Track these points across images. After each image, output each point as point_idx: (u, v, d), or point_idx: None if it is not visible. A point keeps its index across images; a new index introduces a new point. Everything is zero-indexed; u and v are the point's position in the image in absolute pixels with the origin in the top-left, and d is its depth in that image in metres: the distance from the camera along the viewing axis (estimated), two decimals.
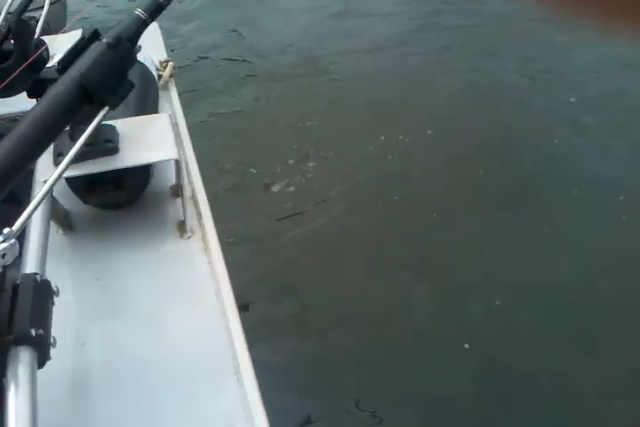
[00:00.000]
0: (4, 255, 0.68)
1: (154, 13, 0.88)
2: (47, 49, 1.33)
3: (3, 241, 0.68)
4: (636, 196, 3.26)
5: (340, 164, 3.69)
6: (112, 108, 0.85)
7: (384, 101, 4.17)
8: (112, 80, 0.84)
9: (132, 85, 0.87)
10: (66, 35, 2.17)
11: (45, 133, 0.80)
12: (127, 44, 0.85)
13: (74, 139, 1.17)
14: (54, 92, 0.81)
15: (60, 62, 0.87)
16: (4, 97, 1.25)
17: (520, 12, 5.06)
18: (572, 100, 4.05)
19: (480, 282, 2.88)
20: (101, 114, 0.85)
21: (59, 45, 1.66)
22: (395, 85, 4.36)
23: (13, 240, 0.69)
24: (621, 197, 3.27)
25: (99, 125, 1.00)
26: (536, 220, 3.20)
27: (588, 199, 3.30)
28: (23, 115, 1.49)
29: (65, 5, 3.69)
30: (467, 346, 2.59)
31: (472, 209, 3.29)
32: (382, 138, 3.85)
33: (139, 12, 0.86)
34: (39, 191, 0.79)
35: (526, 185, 3.41)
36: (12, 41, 1.26)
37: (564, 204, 3.30)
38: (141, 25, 0.87)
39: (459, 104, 4.11)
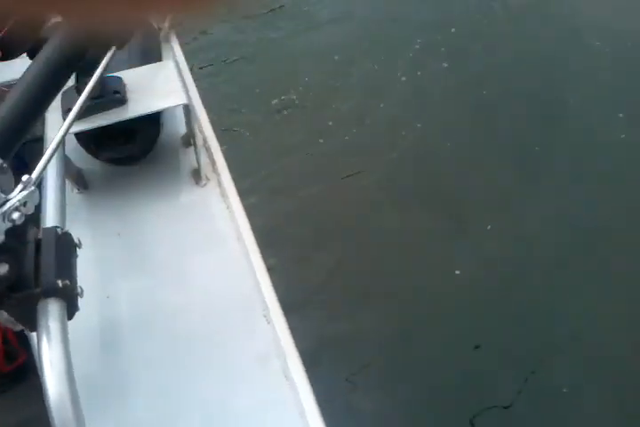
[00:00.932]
0: (25, 204, 0.67)
1: None
2: None
3: (23, 189, 0.67)
4: None
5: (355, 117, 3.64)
6: (119, 47, 0.84)
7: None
8: None
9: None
10: None
11: (54, 80, 0.79)
12: None
13: (79, 91, 1.16)
14: (57, 37, 0.80)
15: None
16: (10, 59, 1.24)
17: None
18: None
19: None
20: (109, 54, 0.84)
21: None
22: None
23: (33, 188, 0.68)
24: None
25: (103, 76, 0.99)
26: None
27: None
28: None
29: None
30: None
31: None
32: None
33: None
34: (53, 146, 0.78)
35: None
36: None
37: None
38: None
39: None
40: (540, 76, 3.73)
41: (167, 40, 1.74)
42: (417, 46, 3.99)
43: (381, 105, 3.66)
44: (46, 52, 0.79)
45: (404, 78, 3.78)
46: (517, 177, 3.18)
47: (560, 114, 3.52)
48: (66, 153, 1.29)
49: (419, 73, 3.79)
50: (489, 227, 2.94)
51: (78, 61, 0.83)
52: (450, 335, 2.51)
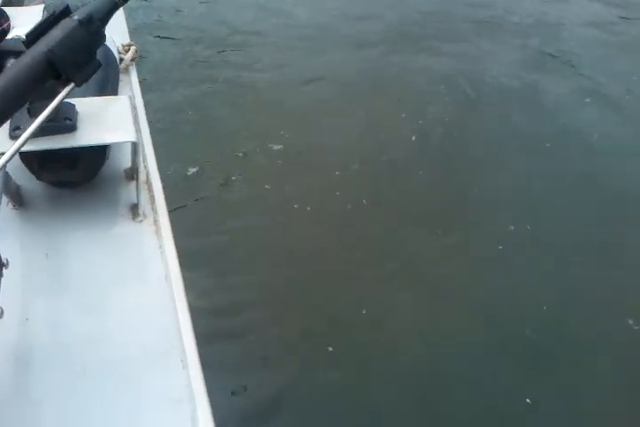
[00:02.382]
0: None
1: None
2: (8, 19, 1.31)
3: None
4: None
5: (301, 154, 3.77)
6: (78, 85, 0.86)
7: None
8: (80, 57, 0.84)
9: (99, 64, 0.88)
10: (27, 8, 2.13)
11: (8, 105, 0.80)
12: (98, 23, 0.86)
13: (32, 113, 1.16)
14: (20, 64, 0.81)
15: (28, 35, 0.87)
16: None
17: None
18: None
19: None
20: (66, 90, 0.86)
21: (19, 18, 1.64)
22: None
23: None
24: None
25: (61, 101, 1.00)
26: None
27: None
28: None
29: None
30: None
31: None
32: None
33: None
34: None
35: None
36: None
37: None
38: (113, 6, 0.88)
39: None
40: None
41: (126, 72, 1.76)
42: None
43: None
44: (7, 76, 0.80)
45: None
46: None
47: None
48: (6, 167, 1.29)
49: None
50: None
51: (36, 90, 0.84)
52: None
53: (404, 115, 4.29)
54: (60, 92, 0.87)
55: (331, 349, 2.67)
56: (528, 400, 2.51)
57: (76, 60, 0.84)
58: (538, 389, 2.56)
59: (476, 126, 4.24)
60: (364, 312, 2.85)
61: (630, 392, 2.58)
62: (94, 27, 0.85)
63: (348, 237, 3.28)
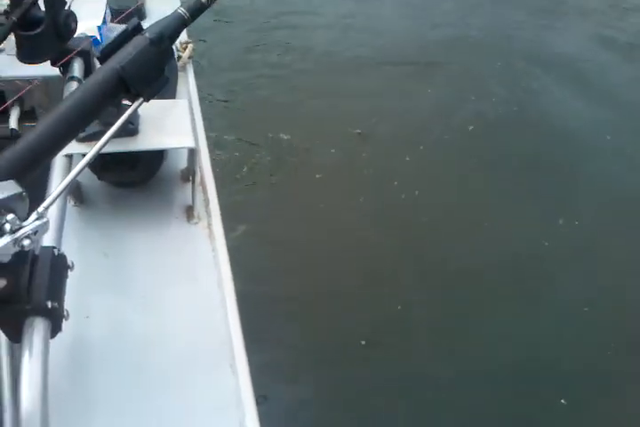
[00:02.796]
0: (36, 232, 0.71)
1: (195, 13, 0.90)
2: (76, 20, 1.35)
3: (36, 219, 0.71)
4: None
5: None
6: (146, 100, 0.89)
7: None
8: (150, 74, 0.87)
9: (167, 80, 0.90)
10: (85, 1, 2.18)
11: (82, 118, 0.84)
12: (167, 40, 0.88)
13: (100, 119, 1.20)
14: (94, 79, 0.84)
15: (102, 51, 0.90)
16: (30, 63, 1.28)
17: None
18: None
19: None
20: (135, 105, 0.89)
21: (78, 11, 1.68)
22: None
23: (46, 219, 0.72)
24: None
25: (122, 105, 1.04)
26: None
27: None
28: (42, 79, 1.52)
29: None
30: None
31: None
32: None
33: (181, 10, 0.89)
34: (61, 165, 0.81)
35: None
36: (43, 8, 1.27)
37: None
38: (182, 24, 0.90)
39: None
40: None
41: (184, 69, 1.79)
42: None
43: None
44: (82, 91, 0.84)
45: None
46: None
47: None
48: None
49: None
50: None
51: (108, 104, 0.88)
52: None
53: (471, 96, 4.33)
54: (127, 104, 0.90)
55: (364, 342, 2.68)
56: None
57: (146, 76, 0.86)
58: None
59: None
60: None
61: None
62: (164, 45, 0.87)
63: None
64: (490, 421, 2.52)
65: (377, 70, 4.68)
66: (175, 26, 0.90)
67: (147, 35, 0.87)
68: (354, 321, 2.86)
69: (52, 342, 0.81)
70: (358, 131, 4.03)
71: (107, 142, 0.88)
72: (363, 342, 2.77)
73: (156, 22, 0.89)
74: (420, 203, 3.52)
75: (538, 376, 2.66)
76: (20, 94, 1.48)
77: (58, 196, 0.78)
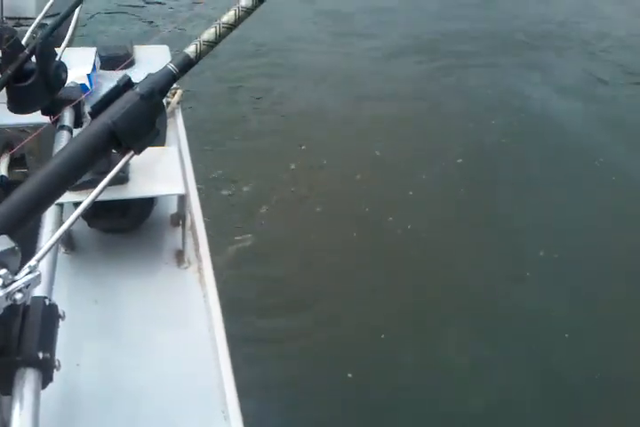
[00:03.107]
0: (28, 286, 0.72)
1: (184, 69, 0.93)
2: (66, 70, 1.38)
3: (29, 272, 0.72)
4: None
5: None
6: (137, 153, 0.91)
7: None
8: (141, 128, 0.89)
9: (157, 133, 0.93)
10: (77, 49, 2.22)
11: (74, 172, 0.86)
12: (158, 95, 0.91)
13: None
14: (86, 133, 0.87)
15: (93, 106, 0.93)
16: (21, 113, 1.30)
17: None
18: None
19: None
20: (126, 158, 0.91)
21: (68, 60, 1.71)
22: None
23: (39, 272, 0.73)
24: None
25: (112, 154, 1.06)
26: None
27: None
28: (31, 127, 1.54)
29: (77, 18, 3.74)
30: None
31: None
32: None
33: (171, 66, 0.92)
34: (52, 213, 0.82)
35: None
36: (35, 60, 1.30)
37: None
38: (171, 79, 0.93)
39: None
40: None
41: (173, 115, 1.83)
42: None
43: None
44: (74, 146, 0.86)
45: None
46: None
47: None
48: None
49: None
50: None
51: (98, 159, 0.90)
52: None
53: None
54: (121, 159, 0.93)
55: None
56: None
57: (137, 130, 0.89)
58: None
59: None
60: None
61: None
62: (155, 99, 0.90)
63: None
64: None
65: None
66: (165, 81, 0.93)
67: (137, 90, 0.89)
68: (345, 359, 2.85)
69: (45, 391, 0.81)
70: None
71: (98, 195, 0.90)
72: (349, 375, 2.78)
73: (147, 77, 0.92)
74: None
75: None
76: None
77: (50, 248, 0.79)
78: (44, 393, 0.81)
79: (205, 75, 4.89)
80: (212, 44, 0.94)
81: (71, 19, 1.64)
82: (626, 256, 3.47)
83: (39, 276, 0.73)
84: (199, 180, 1.53)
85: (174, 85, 1.89)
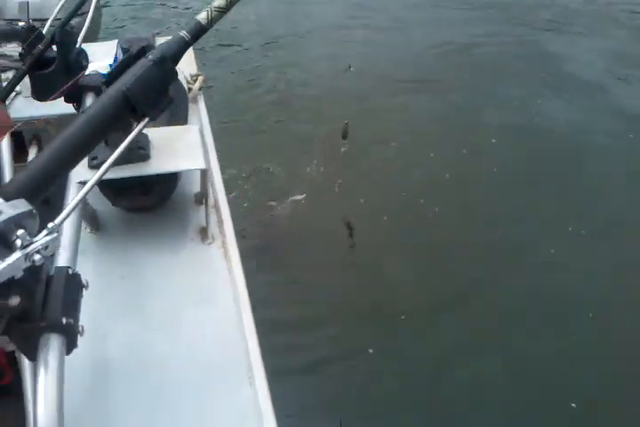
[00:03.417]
0: (46, 247, 0.74)
1: (196, 35, 0.94)
2: (87, 57, 1.40)
3: (47, 234, 0.74)
4: None
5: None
6: (152, 119, 0.92)
7: None
8: (154, 94, 0.90)
9: (171, 100, 0.94)
10: (101, 43, 2.27)
11: (90, 139, 0.87)
12: (170, 62, 0.92)
13: (109, 144, 1.24)
14: (102, 101, 0.88)
15: (108, 74, 0.94)
16: (44, 100, 1.33)
17: None
18: None
19: None
20: (142, 124, 0.92)
21: (95, 53, 1.75)
22: None
23: (56, 234, 0.75)
24: None
25: (135, 132, 1.07)
26: None
27: None
28: (57, 117, 1.58)
29: (100, 15, 3.83)
30: None
31: None
32: None
33: (183, 33, 0.93)
34: (76, 191, 0.84)
35: None
36: (55, 48, 1.33)
37: None
38: (184, 45, 0.94)
39: None
40: None
41: (195, 100, 1.85)
42: None
43: None
44: (89, 113, 0.88)
45: None
46: None
47: None
48: None
49: None
50: None
51: (115, 125, 0.91)
52: None
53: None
54: (135, 126, 0.94)
55: None
56: None
57: (151, 97, 0.90)
58: None
59: None
60: None
61: None
62: (167, 66, 0.91)
63: None
64: None
65: None
66: (177, 48, 0.94)
67: (150, 57, 0.91)
68: (364, 336, 2.88)
69: (72, 361, 0.83)
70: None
71: (114, 162, 0.91)
72: (370, 351, 2.80)
73: (159, 45, 0.93)
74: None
75: None
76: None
77: (68, 214, 0.81)
78: (72, 363, 0.83)
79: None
80: (223, 11, 0.95)
81: (88, 9, 1.68)
82: None
83: (57, 238, 0.75)
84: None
85: (196, 71, 1.94)
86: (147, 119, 0.92)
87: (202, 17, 0.94)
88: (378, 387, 2.66)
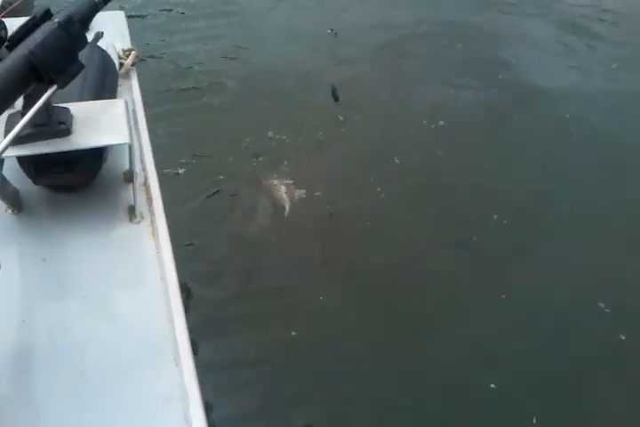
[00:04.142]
0: None
1: None
2: (5, 29, 1.33)
3: None
4: None
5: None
6: (60, 86, 0.87)
7: None
8: (61, 59, 0.85)
9: (81, 66, 0.89)
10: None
11: None
12: (78, 25, 0.87)
13: (30, 121, 1.18)
14: (2, 67, 0.83)
15: (10, 39, 0.88)
16: None
17: None
18: None
19: None
20: (49, 92, 0.87)
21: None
22: None
23: None
24: None
25: (50, 106, 1.01)
26: None
27: None
28: None
29: None
30: None
31: None
32: None
33: None
34: None
35: None
36: None
37: None
38: (93, 8, 0.89)
39: None
40: None
41: (127, 76, 1.78)
42: None
43: None
44: None
45: None
46: None
47: None
48: (5, 174, 1.30)
49: None
50: None
51: (19, 93, 0.85)
52: None
53: None
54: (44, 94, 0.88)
55: None
56: None
57: (58, 62, 0.85)
58: None
59: None
60: None
61: None
62: (74, 29, 0.86)
63: None
64: None
65: None
66: (86, 10, 0.89)
67: (55, 19, 0.85)
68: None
69: None
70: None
71: (18, 133, 0.86)
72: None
73: (66, 7, 0.88)
74: None
75: None
76: None
77: None
78: None
79: None
80: None
81: None
82: None
83: None
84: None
85: (129, 46, 1.87)
86: (55, 86, 0.87)
87: None
88: None
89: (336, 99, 3.83)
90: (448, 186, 3.66)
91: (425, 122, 4.11)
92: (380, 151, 3.86)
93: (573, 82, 4.67)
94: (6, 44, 0.89)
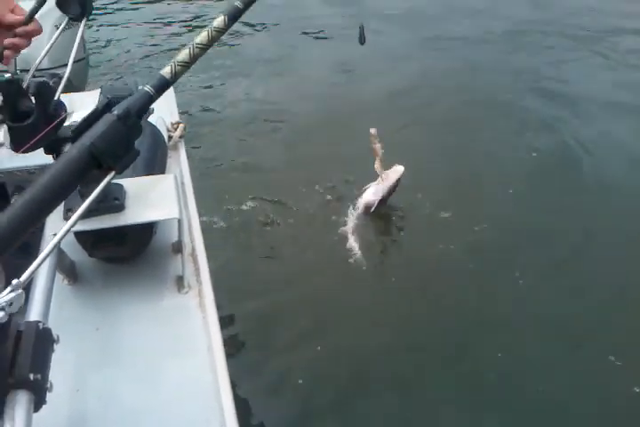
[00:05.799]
0: (10, 304, 0.73)
1: (160, 90, 0.96)
2: (66, 110, 1.42)
3: (11, 291, 0.74)
4: None
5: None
6: (118, 173, 0.93)
7: None
8: (119, 149, 0.92)
9: (137, 153, 0.95)
10: (85, 93, 2.30)
11: (57, 194, 0.88)
12: (135, 116, 0.94)
13: (83, 196, 1.25)
14: (67, 156, 0.89)
15: (74, 130, 0.96)
16: (23, 153, 1.35)
17: None
18: None
19: None
20: (108, 178, 0.93)
21: (78, 103, 1.77)
22: None
23: (20, 291, 0.75)
24: None
25: (107, 186, 1.07)
26: None
27: None
28: (39, 168, 1.60)
29: (87, 64, 3.90)
30: None
31: None
32: None
33: (147, 88, 0.95)
34: (47, 244, 0.85)
35: None
36: (34, 99, 1.35)
37: None
38: (148, 100, 0.96)
39: None
40: None
41: (175, 148, 1.87)
42: None
43: None
44: (56, 168, 0.88)
45: None
46: None
47: None
48: (62, 246, 1.37)
49: None
50: None
51: (81, 180, 0.92)
52: None
53: None
54: (104, 179, 0.95)
55: None
56: None
57: (115, 151, 0.91)
58: None
59: None
60: None
61: None
62: (131, 120, 0.92)
63: None
64: None
65: None
66: (142, 102, 0.96)
67: (115, 112, 0.92)
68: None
69: (43, 417, 0.82)
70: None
71: (84, 214, 0.92)
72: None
73: (124, 100, 0.95)
74: None
75: None
76: None
77: (35, 269, 0.81)
78: (44, 419, 0.82)
79: None
80: (186, 65, 0.97)
81: (78, 57, 1.72)
82: None
83: (22, 295, 0.75)
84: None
85: (177, 119, 1.97)
86: (113, 173, 0.93)
87: (166, 71, 0.97)
88: None
89: (362, 41, 3.80)
90: None
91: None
92: None
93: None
94: (71, 129, 0.97)
